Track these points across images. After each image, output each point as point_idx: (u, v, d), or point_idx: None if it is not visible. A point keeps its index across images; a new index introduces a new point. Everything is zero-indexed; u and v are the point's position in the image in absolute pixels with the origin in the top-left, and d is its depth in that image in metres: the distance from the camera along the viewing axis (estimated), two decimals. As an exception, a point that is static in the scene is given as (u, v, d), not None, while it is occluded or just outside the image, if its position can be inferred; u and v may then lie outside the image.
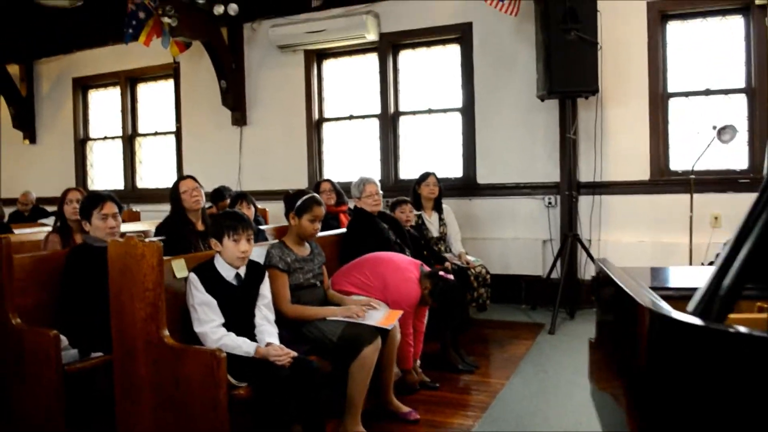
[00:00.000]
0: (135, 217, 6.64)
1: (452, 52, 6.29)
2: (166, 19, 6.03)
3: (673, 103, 5.55)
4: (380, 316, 3.07)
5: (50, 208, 7.40)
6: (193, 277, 2.62)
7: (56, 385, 2.70)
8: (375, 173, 6.50)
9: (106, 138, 8.27)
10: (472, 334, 4.84)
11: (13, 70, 8.49)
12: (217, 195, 5.63)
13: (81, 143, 8.36)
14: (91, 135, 8.39)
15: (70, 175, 8.31)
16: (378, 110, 6.57)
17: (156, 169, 7.97)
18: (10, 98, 8.48)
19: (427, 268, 3.60)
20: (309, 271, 3.15)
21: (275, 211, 6.65)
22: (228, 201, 5.47)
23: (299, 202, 3.15)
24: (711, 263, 3.82)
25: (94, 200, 3.19)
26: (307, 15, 6.58)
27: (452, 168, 6.29)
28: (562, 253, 5.30)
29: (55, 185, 8.19)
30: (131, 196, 7.82)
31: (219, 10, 6.29)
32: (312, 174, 6.90)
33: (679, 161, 5.50)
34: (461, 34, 6.13)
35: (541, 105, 5.57)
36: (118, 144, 8.13)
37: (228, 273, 2.68)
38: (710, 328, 1.11)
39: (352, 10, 6.41)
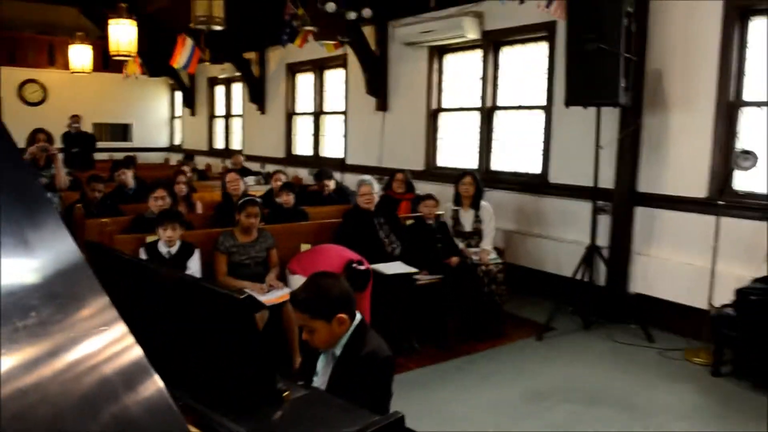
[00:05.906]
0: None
1: (542, 50, 6.39)
2: (306, 27, 7.42)
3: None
4: (274, 296, 4.07)
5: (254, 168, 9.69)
6: (141, 250, 4.03)
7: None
8: (473, 162, 7.05)
9: (304, 113, 10.25)
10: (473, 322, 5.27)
11: (250, 56, 10.96)
12: (319, 175, 6.96)
13: (289, 116, 10.49)
14: (296, 110, 10.45)
15: (281, 140, 10.55)
16: (479, 104, 7.03)
17: (333, 142, 9.63)
18: (248, 79, 11.00)
19: (357, 257, 4.35)
20: (245, 254, 4.27)
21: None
22: (326, 180, 6.81)
23: (239, 203, 4.29)
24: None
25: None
26: (422, 16, 7.27)
27: (532, 164, 6.48)
28: (584, 261, 5.34)
29: (274, 147, 10.59)
30: (316, 163, 9.60)
31: (351, 15, 7.40)
32: (428, 157, 7.71)
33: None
34: (547, 33, 6.21)
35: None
36: (309, 119, 10.05)
37: (164, 250, 4.02)
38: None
39: (461, 10, 6.90)
